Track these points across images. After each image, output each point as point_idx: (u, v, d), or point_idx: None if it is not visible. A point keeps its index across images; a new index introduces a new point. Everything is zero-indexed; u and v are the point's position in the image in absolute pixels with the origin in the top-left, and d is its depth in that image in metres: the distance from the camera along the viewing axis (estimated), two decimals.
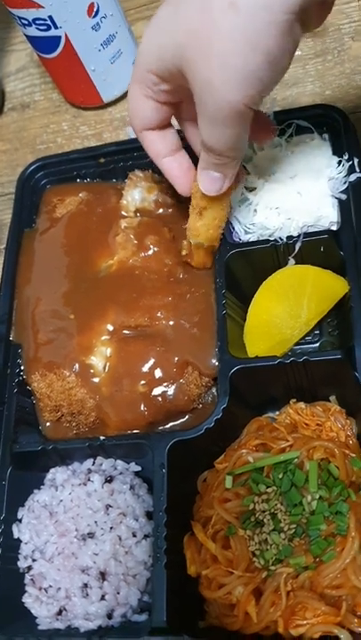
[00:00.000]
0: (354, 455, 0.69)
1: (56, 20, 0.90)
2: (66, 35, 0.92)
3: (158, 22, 0.58)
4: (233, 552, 0.66)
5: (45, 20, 0.90)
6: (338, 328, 0.78)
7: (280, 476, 0.67)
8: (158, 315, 0.77)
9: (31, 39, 0.96)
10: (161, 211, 0.85)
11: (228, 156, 0.62)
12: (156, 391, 0.75)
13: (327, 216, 0.77)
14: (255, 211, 0.79)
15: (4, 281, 0.88)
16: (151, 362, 0.75)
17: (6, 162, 1.09)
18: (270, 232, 0.78)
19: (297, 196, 0.78)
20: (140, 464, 0.77)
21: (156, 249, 0.81)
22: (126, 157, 0.91)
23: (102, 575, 0.70)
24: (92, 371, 0.77)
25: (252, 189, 0.80)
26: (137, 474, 0.77)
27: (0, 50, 1.19)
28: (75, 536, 0.72)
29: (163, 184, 0.87)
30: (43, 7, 0.88)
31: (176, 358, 0.75)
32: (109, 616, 0.69)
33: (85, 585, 0.70)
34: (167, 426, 0.77)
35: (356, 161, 0.77)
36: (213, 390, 0.76)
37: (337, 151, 0.79)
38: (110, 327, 0.78)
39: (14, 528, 0.75)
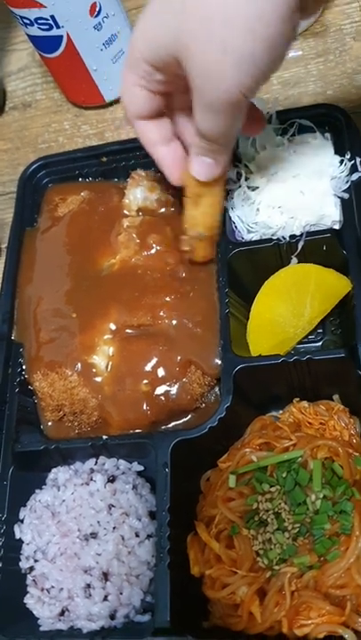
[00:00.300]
0: (358, 454, 0.69)
1: (58, 20, 0.90)
2: (68, 34, 0.92)
3: (152, 11, 0.58)
4: (237, 552, 0.66)
5: (47, 19, 0.90)
6: (341, 327, 0.78)
7: (284, 475, 0.67)
8: (161, 314, 0.77)
9: (33, 39, 0.96)
10: (163, 210, 0.85)
11: (222, 144, 0.63)
12: (159, 390, 0.75)
13: (330, 215, 0.77)
14: (258, 210, 0.79)
15: (6, 280, 0.87)
16: (154, 361, 0.75)
17: (8, 161, 1.09)
18: (273, 231, 0.78)
19: (299, 195, 0.78)
20: (143, 464, 0.77)
21: (158, 248, 0.81)
22: (128, 156, 0.90)
23: (105, 575, 0.70)
24: (94, 370, 0.77)
25: (254, 188, 0.80)
26: (140, 473, 0.77)
27: (1, 49, 1.19)
28: (77, 536, 0.71)
29: (165, 183, 0.87)
30: (45, 7, 0.88)
31: (179, 357, 0.75)
32: (112, 617, 0.69)
33: (88, 585, 0.69)
34: (170, 425, 0.76)
35: (358, 160, 0.76)
36: (216, 389, 0.76)
37: (339, 150, 0.79)
38: (113, 326, 0.78)
39: (16, 528, 0.75)
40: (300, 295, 0.75)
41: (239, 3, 0.49)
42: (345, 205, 0.76)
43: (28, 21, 0.91)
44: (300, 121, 0.81)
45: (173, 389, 0.75)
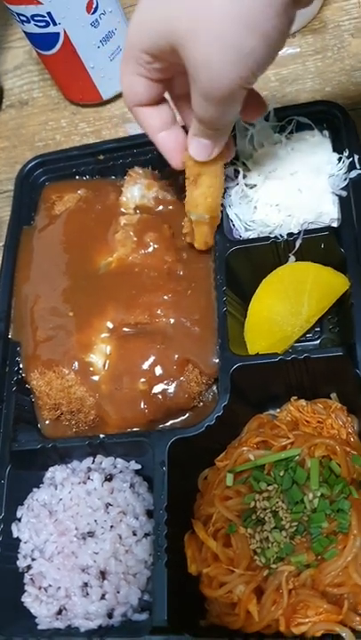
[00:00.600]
0: (355, 452, 0.69)
1: (55, 17, 0.90)
2: (65, 31, 0.92)
3: (149, 1, 0.58)
4: (234, 550, 0.66)
5: (44, 16, 0.90)
6: (339, 325, 0.78)
7: (281, 474, 0.67)
8: (158, 312, 0.77)
9: (30, 36, 0.95)
10: (160, 207, 0.85)
11: (218, 128, 0.64)
12: (157, 389, 0.75)
13: (328, 213, 0.77)
14: (255, 207, 0.79)
15: (3, 278, 0.87)
16: (151, 359, 0.75)
17: (5, 159, 1.09)
18: (271, 229, 0.78)
19: (297, 193, 0.78)
20: (140, 462, 0.77)
21: (155, 246, 0.81)
22: (125, 154, 0.90)
23: (102, 574, 0.70)
24: (91, 368, 0.77)
25: (252, 186, 0.80)
26: (137, 472, 0.77)
27: None
28: (74, 535, 0.71)
29: (162, 181, 0.87)
30: (41, 3, 0.88)
31: (176, 356, 0.75)
32: (110, 615, 0.69)
33: (85, 584, 0.69)
34: (167, 424, 0.76)
35: (356, 157, 0.76)
36: (214, 388, 0.76)
37: (337, 148, 0.79)
38: (110, 325, 0.78)
39: (13, 527, 0.75)
40: (297, 293, 0.75)
41: None
42: (343, 203, 0.76)
43: (24, 18, 0.91)
44: (298, 118, 0.81)
45: (171, 388, 0.74)
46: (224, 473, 0.70)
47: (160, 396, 0.75)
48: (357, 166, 0.76)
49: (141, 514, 0.72)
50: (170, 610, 0.63)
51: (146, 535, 0.72)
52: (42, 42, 0.95)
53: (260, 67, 0.55)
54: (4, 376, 0.81)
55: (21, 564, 0.74)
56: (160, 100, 0.69)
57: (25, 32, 0.95)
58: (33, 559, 0.73)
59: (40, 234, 0.88)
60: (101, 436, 0.75)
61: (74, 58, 0.96)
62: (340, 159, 0.77)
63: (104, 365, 0.77)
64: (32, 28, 0.92)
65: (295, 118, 0.81)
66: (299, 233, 0.75)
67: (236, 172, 0.80)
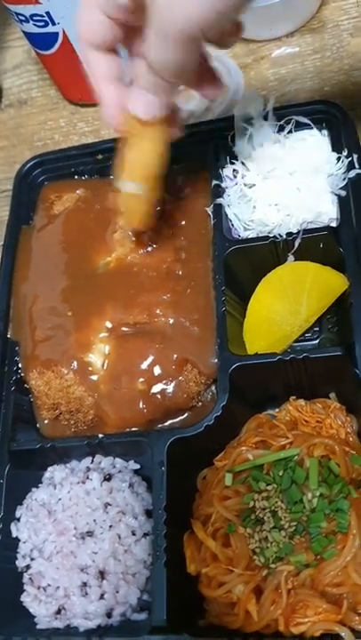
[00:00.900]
0: (354, 452, 0.69)
1: (54, 17, 0.90)
2: (64, 31, 0.92)
3: None
4: (233, 550, 0.66)
5: (43, 16, 0.90)
6: (338, 325, 0.78)
7: (280, 474, 0.67)
8: (157, 312, 0.77)
9: (29, 35, 0.95)
10: (159, 208, 0.85)
11: (168, 80, 0.58)
12: (155, 389, 0.75)
13: (327, 212, 0.77)
14: (254, 207, 0.79)
15: (2, 278, 0.87)
16: (150, 359, 0.75)
17: (3, 158, 1.09)
18: (270, 228, 0.78)
19: (296, 193, 0.78)
20: (139, 462, 0.77)
21: (154, 246, 0.81)
22: None
23: (101, 574, 0.70)
24: (90, 368, 0.77)
25: (251, 186, 0.80)
26: (136, 472, 0.77)
27: None
28: (73, 535, 0.71)
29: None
30: (40, 3, 0.88)
31: (175, 356, 0.75)
32: (109, 615, 0.69)
33: (84, 584, 0.69)
34: (166, 424, 0.76)
35: (355, 157, 0.76)
36: (213, 388, 0.76)
37: (336, 147, 0.79)
38: (108, 324, 0.78)
39: (12, 527, 0.75)
40: (296, 293, 0.75)
41: None
42: (342, 203, 0.76)
43: (23, 18, 0.91)
44: (297, 118, 0.81)
45: (170, 388, 0.74)
46: (223, 473, 0.70)
47: (159, 396, 0.75)
48: (356, 166, 0.76)
49: (140, 514, 0.72)
50: (169, 609, 0.63)
51: (145, 535, 0.71)
52: (41, 41, 0.95)
53: (226, 11, 0.51)
54: (2, 376, 0.81)
55: (20, 563, 0.74)
56: (114, 50, 0.63)
57: (24, 32, 0.95)
58: (32, 559, 0.73)
59: (39, 233, 0.88)
60: (100, 435, 0.75)
61: (73, 57, 0.96)
62: (338, 159, 0.77)
63: (103, 365, 0.77)
64: (31, 27, 0.92)
65: (294, 118, 0.81)
66: (298, 232, 0.75)
67: (235, 171, 0.80)
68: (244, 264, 0.78)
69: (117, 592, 0.69)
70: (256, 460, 0.69)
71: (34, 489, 0.77)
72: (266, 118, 0.81)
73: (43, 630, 0.70)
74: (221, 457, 0.73)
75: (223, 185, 0.81)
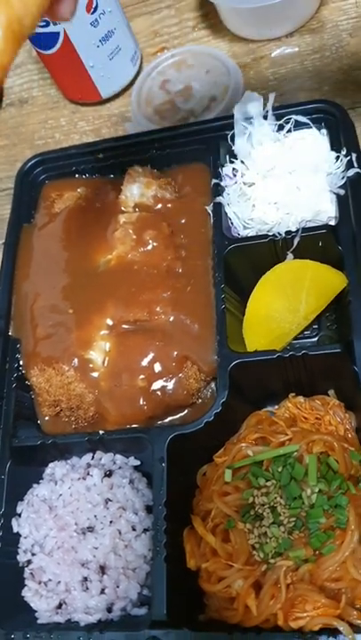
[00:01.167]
0: (353, 448, 0.69)
1: None
2: (64, 31, 0.92)
3: None
4: (233, 545, 0.66)
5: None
6: (336, 322, 0.78)
7: (279, 470, 0.67)
8: (157, 309, 0.78)
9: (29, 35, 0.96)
10: (159, 206, 0.85)
11: None
12: (156, 386, 0.75)
13: (325, 211, 0.77)
14: (254, 206, 0.80)
15: (3, 276, 0.88)
16: (150, 356, 0.76)
17: (4, 157, 1.10)
18: (269, 227, 0.78)
19: (295, 191, 0.78)
20: (140, 458, 0.77)
21: (154, 244, 0.81)
22: (124, 153, 0.91)
23: (102, 569, 0.70)
24: (91, 365, 0.78)
25: (250, 185, 0.81)
26: (136, 468, 0.77)
27: None
28: (74, 530, 0.72)
29: (161, 179, 0.88)
30: None
31: (175, 353, 0.75)
32: (109, 610, 0.69)
33: (85, 579, 0.70)
34: (166, 420, 0.77)
35: (354, 156, 0.77)
36: (212, 385, 0.76)
37: (335, 146, 0.79)
38: (109, 322, 0.79)
39: (14, 522, 0.75)
40: (295, 291, 0.76)
41: None
42: (341, 201, 0.76)
43: None
44: (297, 117, 0.81)
45: (170, 385, 0.75)
46: (223, 469, 0.71)
47: (159, 393, 0.75)
48: (355, 165, 0.77)
49: (141, 509, 0.73)
50: (169, 604, 0.64)
51: (145, 530, 0.72)
52: (42, 41, 0.96)
53: None
54: (4, 373, 0.82)
55: (21, 558, 0.74)
56: None
57: None
58: (33, 554, 0.73)
59: (40, 232, 0.89)
60: (101, 432, 0.75)
61: (73, 57, 0.96)
62: (337, 158, 0.78)
63: (103, 362, 0.77)
64: None
65: (293, 117, 0.81)
66: (297, 231, 0.75)
67: (235, 170, 0.81)
68: (244, 262, 0.78)
69: (118, 587, 0.69)
70: (256, 457, 0.69)
71: (35, 485, 0.78)
72: (265, 117, 0.82)
73: (44, 625, 0.71)
74: (221, 453, 0.74)
75: (223, 184, 0.81)
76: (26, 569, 0.73)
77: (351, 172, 0.76)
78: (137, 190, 0.86)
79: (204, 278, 0.78)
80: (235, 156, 0.82)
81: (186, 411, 0.77)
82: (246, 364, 0.72)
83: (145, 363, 0.75)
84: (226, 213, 0.80)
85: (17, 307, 0.85)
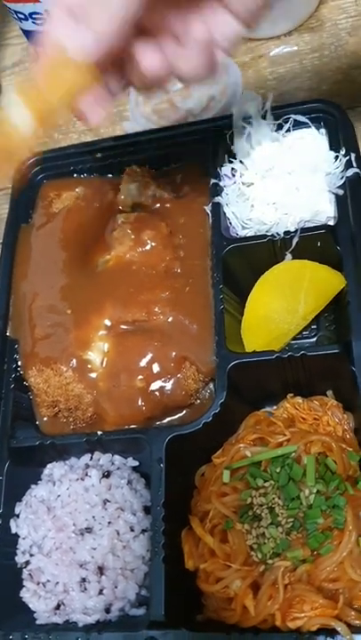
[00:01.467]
0: (351, 449, 0.69)
1: None
2: None
3: None
4: (231, 546, 0.66)
5: (42, 14, 0.90)
6: (335, 323, 0.78)
7: (278, 470, 0.67)
8: (156, 310, 0.78)
9: (27, 33, 0.96)
10: (158, 205, 0.85)
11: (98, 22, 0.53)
12: (154, 386, 0.75)
13: (324, 211, 0.77)
14: (252, 206, 0.80)
15: (1, 276, 0.87)
16: (149, 357, 0.76)
17: None
18: (267, 227, 0.78)
19: (294, 192, 0.78)
20: (138, 459, 0.77)
21: (153, 244, 0.81)
22: (123, 152, 0.90)
23: (100, 570, 0.70)
24: (89, 366, 0.77)
25: (249, 185, 0.80)
26: (134, 469, 0.77)
27: None
28: (72, 531, 0.72)
29: (159, 179, 0.87)
30: (39, 1, 0.88)
31: (173, 353, 0.75)
32: (107, 610, 0.70)
33: (83, 579, 0.70)
34: (165, 421, 0.77)
35: (353, 156, 0.77)
36: (211, 386, 0.76)
37: (334, 146, 0.79)
38: (108, 322, 0.78)
39: (12, 523, 0.76)
40: (294, 291, 0.75)
41: None
42: (339, 201, 0.76)
43: (22, 16, 0.91)
44: (296, 117, 0.81)
45: (168, 385, 0.75)
46: (221, 469, 0.71)
47: (157, 394, 0.75)
48: (354, 165, 0.76)
49: (139, 510, 0.73)
50: (167, 605, 0.64)
51: (143, 531, 0.72)
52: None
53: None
54: (2, 374, 0.81)
55: (20, 559, 0.74)
56: None
57: (23, 29, 0.96)
58: (31, 555, 0.73)
59: (38, 231, 0.89)
60: (99, 432, 0.75)
61: None
62: (336, 157, 0.77)
63: (102, 363, 0.77)
64: (30, 25, 0.92)
65: (292, 117, 0.81)
66: (295, 231, 0.75)
67: (234, 170, 0.81)
68: (243, 262, 0.78)
69: (116, 587, 0.69)
70: (254, 457, 0.69)
71: (33, 486, 0.78)
72: (264, 117, 0.82)
73: (42, 625, 0.71)
74: (219, 454, 0.74)
75: (221, 184, 0.81)
76: (24, 570, 0.73)
77: (350, 172, 0.76)
78: (135, 190, 0.85)
79: (203, 278, 0.78)
80: (233, 156, 0.82)
81: (184, 411, 0.77)
82: (245, 365, 0.72)
83: (143, 363, 0.75)
84: (224, 213, 0.80)
85: (15, 307, 0.85)
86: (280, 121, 0.81)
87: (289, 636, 0.61)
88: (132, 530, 0.72)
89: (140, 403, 0.75)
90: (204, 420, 0.71)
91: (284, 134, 0.81)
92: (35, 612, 0.72)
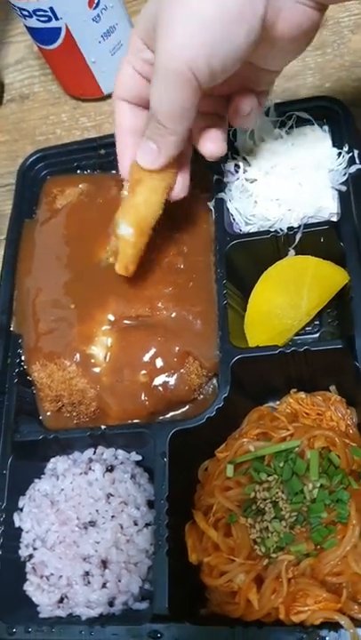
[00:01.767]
0: (354, 444, 0.70)
1: (57, 12, 0.90)
2: (66, 26, 0.92)
3: None
4: (234, 540, 0.67)
5: (46, 11, 0.90)
6: (338, 318, 0.79)
7: (281, 465, 0.67)
8: (159, 305, 0.78)
9: (31, 30, 0.96)
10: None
11: (166, 127, 0.61)
12: (157, 381, 0.75)
13: (327, 207, 0.77)
14: (256, 202, 0.80)
15: (5, 271, 0.88)
16: (152, 352, 0.76)
17: (6, 153, 1.09)
18: (271, 223, 0.78)
19: (297, 188, 0.78)
20: (141, 453, 0.77)
21: (156, 240, 0.81)
22: None
23: (104, 563, 0.70)
24: (92, 361, 0.78)
25: (252, 181, 0.81)
26: (138, 463, 0.77)
27: None
28: (76, 524, 0.72)
29: None
30: None
31: (177, 348, 0.75)
32: (111, 604, 0.70)
33: (87, 573, 0.70)
34: (168, 416, 0.77)
35: (356, 152, 0.77)
36: (214, 381, 0.76)
37: (337, 143, 0.79)
38: (111, 317, 0.79)
39: (15, 517, 0.76)
40: (297, 287, 0.76)
41: None
42: (343, 198, 0.76)
43: (26, 13, 0.91)
44: (299, 113, 0.81)
45: (171, 380, 0.75)
46: (224, 464, 0.71)
47: (161, 388, 0.75)
48: (357, 161, 0.77)
49: (142, 504, 0.73)
50: (171, 598, 0.64)
51: (147, 525, 0.72)
52: (43, 36, 0.95)
53: (216, 56, 0.54)
54: (5, 368, 0.82)
55: (23, 553, 0.74)
56: (142, 105, 0.67)
57: (27, 27, 0.96)
58: (35, 548, 0.73)
59: (42, 227, 0.89)
60: (103, 427, 0.75)
61: (75, 52, 0.96)
62: (339, 154, 0.78)
63: (105, 357, 0.78)
64: (34, 22, 0.93)
65: (295, 113, 0.81)
66: (299, 227, 0.75)
67: (237, 166, 0.81)
68: (246, 258, 0.79)
69: (119, 581, 0.70)
70: (257, 452, 0.70)
71: (36, 480, 0.78)
72: (267, 114, 0.82)
73: (45, 619, 0.71)
74: (223, 448, 0.74)
75: (225, 180, 0.82)
76: (27, 563, 0.74)
77: (353, 169, 0.76)
78: None
79: (206, 274, 0.78)
80: (237, 153, 0.82)
81: (187, 406, 0.77)
82: (248, 360, 0.72)
83: (147, 358, 0.75)
84: (228, 209, 0.81)
85: (19, 302, 0.85)
86: (283, 118, 0.82)
87: (293, 629, 0.61)
88: (136, 524, 0.72)
89: (143, 397, 0.75)
90: (208, 415, 0.71)
91: (287, 131, 0.81)
92: (38, 606, 0.72)
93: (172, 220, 0.82)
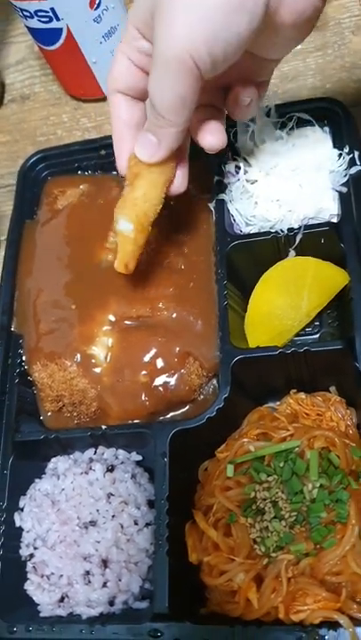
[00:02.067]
0: (354, 444, 0.70)
1: (58, 12, 0.90)
2: (67, 27, 0.92)
3: None
4: (234, 539, 0.67)
5: (47, 12, 0.90)
6: (338, 319, 0.79)
7: (281, 465, 0.68)
8: (160, 305, 0.78)
9: (32, 31, 0.96)
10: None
11: (166, 118, 0.59)
12: (158, 381, 0.75)
13: (328, 208, 0.78)
14: (256, 203, 0.80)
15: (6, 272, 0.88)
16: (152, 352, 0.76)
17: (7, 154, 1.10)
18: (271, 224, 0.79)
19: (298, 189, 0.79)
20: (142, 453, 0.78)
21: (157, 240, 0.81)
22: None
23: (104, 563, 0.71)
24: (93, 361, 0.78)
25: (253, 182, 0.81)
26: (138, 463, 0.78)
27: (0, 42, 1.19)
28: (76, 524, 0.72)
29: None
30: None
31: (177, 349, 0.76)
32: (111, 603, 0.70)
33: (87, 572, 0.70)
34: (168, 416, 0.77)
35: (356, 154, 0.77)
36: (214, 381, 0.77)
37: (338, 144, 0.80)
38: (112, 317, 0.79)
39: (16, 516, 0.76)
40: (297, 288, 0.76)
41: None
42: (343, 199, 0.76)
43: (27, 14, 0.91)
44: (299, 114, 0.81)
45: (172, 380, 0.75)
46: (225, 464, 0.71)
47: (161, 389, 0.75)
48: (358, 162, 0.77)
49: (143, 504, 0.73)
50: (171, 598, 0.64)
51: (147, 525, 0.72)
52: (44, 37, 0.96)
53: (217, 44, 0.53)
54: (6, 368, 0.82)
55: (24, 552, 0.75)
56: (138, 97, 0.66)
57: (28, 27, 0.96)
58: (35, 548, 0.74)
59: (42, 228, 0.89)
60: (103, 427, 0.76)
61: (76, 53, 0.96)
62: (340, 155, 0.78)
63: (106, 358, 0.78)
64: (35, 23, 0.93)
65: (296, 115, 0.81)
66: (299, 228, 0.76)
67: (238, 167, 0.81)
68: (246, 259, 0.79)
69: (120, 580, 0.70)
70: (257, 452, 0.70)
71: (37, 479, 0.78)
72: (268, 115, 0.82)
73: (46, 618, 0.71)
74: (223, 449, 0.74)
75: (225, 181, 0.82)
76: (28, 563, 0.74)
77: (354, 170, 0.77)
78: None
79: (207, 275, 0.79)
80: (237, 154, 0.83)
81: (187, 407, 0.77)
82: (248, 360, 0.72)
83: (147, 358, 0.76)
84: (228, 210, 0.81)
85: (20, 302, 0.86)
86: (284, 119, 0.82)
87: (292, 628, 0.61)
88: (136, 523, 0.72)
89: (143, 398, 0.75)
90: (208, 415, 0.71)
91: (287, 132, 0.81)
92: (39, 605, 0.72)
93: (173, 221, 0.82)
